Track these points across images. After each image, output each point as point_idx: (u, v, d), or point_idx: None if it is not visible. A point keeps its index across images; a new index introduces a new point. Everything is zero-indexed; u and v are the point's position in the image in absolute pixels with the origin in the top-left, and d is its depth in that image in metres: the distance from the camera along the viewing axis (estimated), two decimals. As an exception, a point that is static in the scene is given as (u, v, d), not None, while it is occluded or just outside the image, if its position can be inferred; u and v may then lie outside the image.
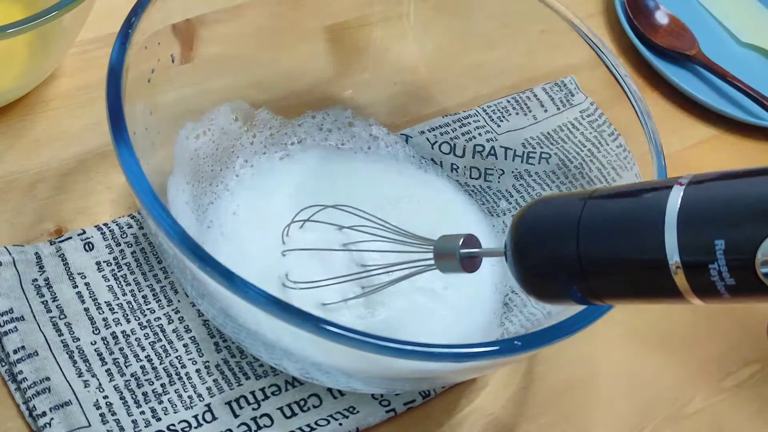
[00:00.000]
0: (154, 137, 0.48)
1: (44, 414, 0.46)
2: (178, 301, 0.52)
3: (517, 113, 0.62)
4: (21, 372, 0.47)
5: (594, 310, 0.43)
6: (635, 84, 0.53)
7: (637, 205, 0.35)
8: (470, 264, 0.44)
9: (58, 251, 0.52)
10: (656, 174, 0.49)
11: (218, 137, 0.56)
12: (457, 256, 0.43)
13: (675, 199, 0.32)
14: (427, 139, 0.63)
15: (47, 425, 0.46)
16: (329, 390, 0.51)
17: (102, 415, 0.47)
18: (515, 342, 0.41)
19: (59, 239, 0.53)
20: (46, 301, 0.50)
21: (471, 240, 0.44)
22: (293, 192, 0.57)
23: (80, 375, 0.48)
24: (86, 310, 0.51)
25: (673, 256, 0.32)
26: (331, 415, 0.50)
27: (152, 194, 0.40)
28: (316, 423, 0.50)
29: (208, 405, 0.49)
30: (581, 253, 0.35)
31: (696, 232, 0.32)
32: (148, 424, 0.48)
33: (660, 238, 0.32)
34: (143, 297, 0.52)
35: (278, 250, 0.53)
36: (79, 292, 0.51)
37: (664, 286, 0.33)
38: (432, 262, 0.45)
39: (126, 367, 0.49)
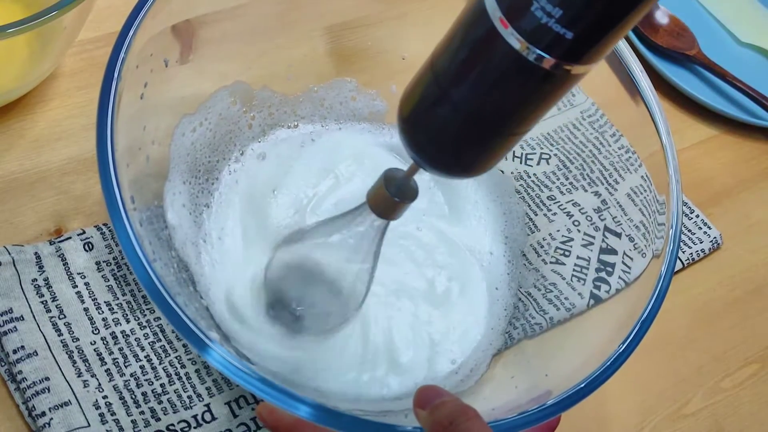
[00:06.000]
0: (148, 151, 0.48)
1: (43, 414, 0.46)
2: (178, 301, 0.52)
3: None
4: (20, 372, 0.47)
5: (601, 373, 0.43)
6: (648, 81, 0.52)
7: (465, 25, 0.34)
8: (407, 193, 0.42)
9: (57, 251, 0.52)
10: (672, 175, 0.49)
11: (216, 124, 0.55)
12: (387, 193, 0.42)
13: (491, 5, 0.32)
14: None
15: (46, 425, 0.46)
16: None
17: (101, 415, 0.47)
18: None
19: (59, 239, 0.53)
20: (46, 301, 0.50)
21: (391, 174, 0.42)
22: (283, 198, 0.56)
23: (80, 375, 0.48)
24: (86, 310, 0.51)
25: (513, 40, 0.31)
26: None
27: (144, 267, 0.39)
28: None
29: (207, 405, 0.49)
30: (457, 94, 0.34)
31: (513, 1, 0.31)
32: (147, 424, 0.48)
33: (492, 32, 0.32)
34: (143, 297, 0.52)
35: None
36: (78, 292, 0.51)
37: (524, 71, 0.32)
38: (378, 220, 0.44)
39: (125, 367, 0.49)
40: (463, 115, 0.35)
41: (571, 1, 0.30)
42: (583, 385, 0.42)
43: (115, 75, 0.43)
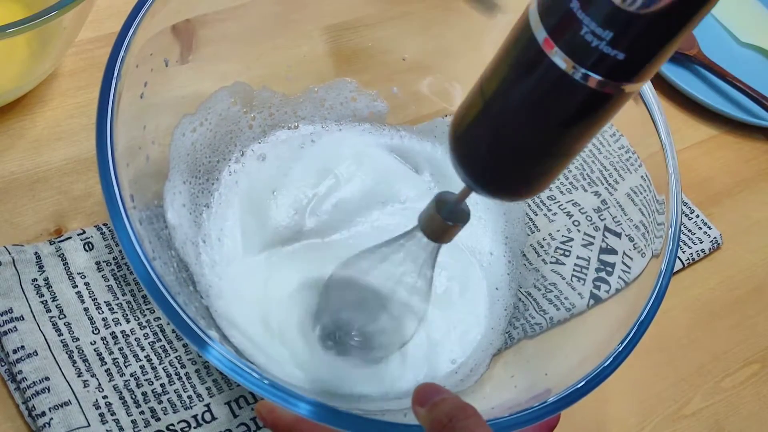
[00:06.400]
0: (148, 150, 0.48)
1: (43, 414, 0.46)
2: (178, 300, 0.52)
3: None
4: (20, 372, 0.47)
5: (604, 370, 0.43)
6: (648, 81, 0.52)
7: (514, 51, 0.34)
8: (459, 215, 0.42)
9: (57, 251, 0.52)
10: (671, 174, 0.49)
11: (216, 125, 0.55)
12: (439, 217, 0.42)
13: (537, 28, 0.31)
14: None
15: (46, 425, 0.46)
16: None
17: (101, 415, 0.47)
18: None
19: (59, 239, 0.53)
20: (46, 301, 0.50)
21: (442, 197, 0.42)
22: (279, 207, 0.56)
23: (80, 375, 0.48)
24: (86, 310, 0.51)
25: (561, 62, 0.31)
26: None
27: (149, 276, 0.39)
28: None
29: (207, 405, 0.49)
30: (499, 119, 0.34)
31: (560, 24, 0.31)
32: (147, 424, 0.48)
33: (542, 56, 0.31)
34: (143, 297, 0.52)
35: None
36: (78, 292, 0.51)
37: (574, 91, 0.32)
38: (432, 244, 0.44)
39: (125, 367, 0.49)
40: (510, 137, 0.35)
41: (620, 22, 0.29)
42: (582, 384, 0.42)
43: (115, 74, 0.43)
